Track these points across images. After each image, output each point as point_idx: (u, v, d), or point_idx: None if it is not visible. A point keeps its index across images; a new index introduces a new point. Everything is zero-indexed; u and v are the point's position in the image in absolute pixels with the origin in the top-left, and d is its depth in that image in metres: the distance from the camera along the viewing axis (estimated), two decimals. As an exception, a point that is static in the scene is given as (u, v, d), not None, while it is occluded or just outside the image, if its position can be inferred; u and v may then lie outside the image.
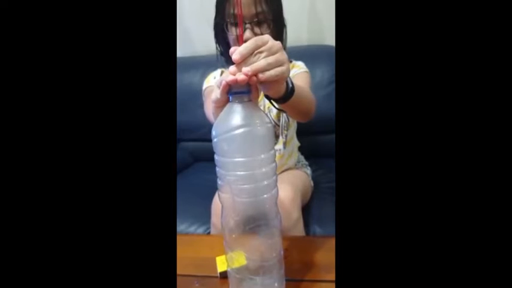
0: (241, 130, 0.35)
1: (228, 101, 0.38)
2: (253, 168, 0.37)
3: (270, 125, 0.37)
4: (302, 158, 0.98)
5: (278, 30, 0.74)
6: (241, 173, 0.36)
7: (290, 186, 0.70)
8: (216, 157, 0.38)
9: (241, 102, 0.37)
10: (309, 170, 0.96)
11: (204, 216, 0.82)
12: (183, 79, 1.22)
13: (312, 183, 0.93)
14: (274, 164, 0.39)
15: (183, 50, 1.32)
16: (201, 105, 0.83)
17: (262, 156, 0.37)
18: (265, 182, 0.38)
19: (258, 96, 0.39)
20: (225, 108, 0.38)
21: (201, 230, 0.84)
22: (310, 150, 1.03)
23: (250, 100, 0.37)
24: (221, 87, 0.36)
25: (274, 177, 0.39)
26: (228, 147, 0.36)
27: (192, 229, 0.85)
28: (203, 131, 1.24)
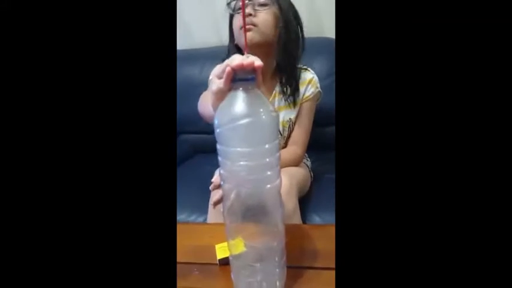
0: (246, 120, 0.35)
1: (228, 92, 0.38)
2: (257, 158, 0.36)
3: (274, 113, 0.37)
4: None
5: (281, 12, 0.76)
6: (245, 163, 0.36)
7: (287, 178, 0.71)
8: (218, 146, 0.38)
9: (245, 90, 0.36)
10: (308, 162, 0.96)
11: (203, 206, 0.82)
12: (181, 72, 1.21)
13: (311, 174, 0.94)
14: (278, 154, 0.39)
15: (181, 42, 1.31)
16: (201, 97, 0.83)
17: (267, 146, 0.36)
18: (269, 173, 0.38)
19: (261, 84, 0.39)
20: (228, 96, 0.37)
21: (200, 219, 0.85)
22: (309, 142, 1.03)
23: (254, 88, 0.36)
24: (225, 74, 0.35)
25: (278, 167, 0.39)
26: (232, 137, 0.36)
27: (191, 218, 0.86)
28: (203, 124, 1.23)
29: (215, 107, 0.39)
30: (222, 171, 0.39)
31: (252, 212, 0.40)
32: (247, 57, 0.35)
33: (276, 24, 0.76)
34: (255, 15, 0.73)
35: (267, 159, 0.37)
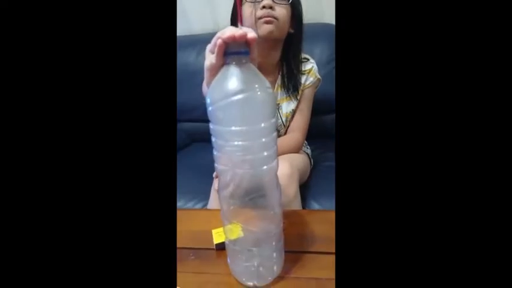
0: (239, 96, 0.32)
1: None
2: (253, 137, 0.35)
3: (270, 90, 0.35)
4: None
5: (295, 7, 0.75)
6: (240, 143, 0.34)
7: (287, 163, 0.70)
8: (211, 126, 0.36)
9: (238, 64, 0.34)
10: (308, 150, 0.95)
11: (201, 193, 0.83)
12: (178, 58, 1.19)
13: (311, 161, 0.93)
14: (274, 134, 0.37)
15: (178, 28, 1.28)
16: (198, 85, 0.81)
17: (263, 125, 0.35)
18: (265, 153, 0.36)
19: (256, 58, 0.36)
20: (221, 72, 0.35)
21: (198, 206, 0.85)
22: (309, 130, 1.02)
23: (248, 62, 0.34)
24: (217, 47, 0.33)
25: (275, 148, 0.38)
26: (225, 115, 0.34)
27: (189, 205, 0.86)
28: (200, 112, 1.21)
29: (209, 84, 0.37)
30: (216, 153, 0.37)
31: (249, 195, 0.38)
32: (240, 28, 0.33)
33: (291, 20, 0.75)
34: (274, 9, 0.71)
35: (263, 139, 0.35)
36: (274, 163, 0.38)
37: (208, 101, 0.35)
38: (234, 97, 0.33)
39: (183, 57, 1.20)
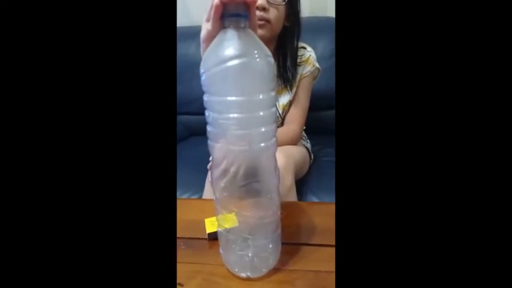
0: (236, 61, 0.29)
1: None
2: (250, 110, 0.31)
3: (271, 59, 0.32)
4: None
5: (291, 4, 0.72)
6: (235, 115, 0.31)
7: (282, 153, 0.67)
8: (205, 98, 0.33)
9: (237, 28, 0.30)
10: (308, 144, 0.92)
11: (196, 185, 0.80)
12: (178, 50, 1.17)
13: (311, 156, 0.91)
14: (274, 109, 0.34)
15: (178, 19, 1.26)
16: (197, 77, 0.79)
17: (261, 96, 0.31)
18: (263, 129, 0.33)
19: (256, 25, 0.33)
20: (217, 37, 0.32)
21: (194, 197, 0.82)
22: (310, 125, 0.99)
23: (247, 27, 0.31)
24: (213, 8, 0.30)
25: (274, 126, 0.35)
26: (219, 82, 0.31)
27: (184, 196, 0.83)
28: (198, 104, 1.18)
29: None
30: (209, 129, 0.34)
31: (244, 178, 0.35)
32: None
33: (286, 17, 0.72)
34: (267, 10, 0.68)
35: (261, 113, 0.32)
36: (272, 142, 0.35)
37: (202, 69, 0.32)
38: (230, 62, 0.29)
39: (183, 49, 1.18)
